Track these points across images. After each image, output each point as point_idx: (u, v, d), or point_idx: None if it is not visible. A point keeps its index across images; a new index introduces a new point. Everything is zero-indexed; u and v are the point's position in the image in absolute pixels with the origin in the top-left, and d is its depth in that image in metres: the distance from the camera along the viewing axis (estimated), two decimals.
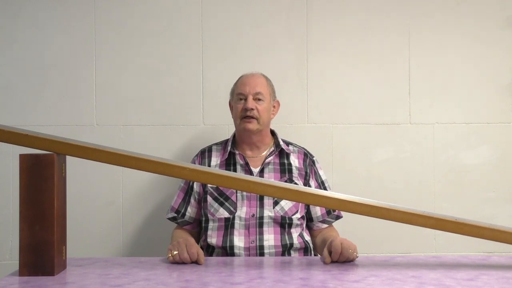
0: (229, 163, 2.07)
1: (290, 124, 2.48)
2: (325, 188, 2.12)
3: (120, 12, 2.51)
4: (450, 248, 2.52)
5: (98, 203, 2.49)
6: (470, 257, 1.75)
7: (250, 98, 2.04)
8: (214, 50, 2.52)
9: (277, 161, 2.08)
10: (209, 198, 2.02)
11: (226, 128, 2.48)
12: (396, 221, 1.56)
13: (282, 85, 2.50)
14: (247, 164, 2.06)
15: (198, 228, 2.10)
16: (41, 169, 1.46)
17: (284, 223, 1.98)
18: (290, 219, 1.99)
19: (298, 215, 2.01)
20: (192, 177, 1.58)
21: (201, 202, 2.06)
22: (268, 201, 1.99)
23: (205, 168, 1.58)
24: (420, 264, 1.64)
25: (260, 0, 2.54)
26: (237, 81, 2.15)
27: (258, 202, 1.99)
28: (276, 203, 1.99)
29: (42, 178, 1.45)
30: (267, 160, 2.06)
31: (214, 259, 1.87)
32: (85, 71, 2.50)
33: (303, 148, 2.18)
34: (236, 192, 1.99)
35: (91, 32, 2.50)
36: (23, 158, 1.46)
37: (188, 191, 2.08)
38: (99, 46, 2.50)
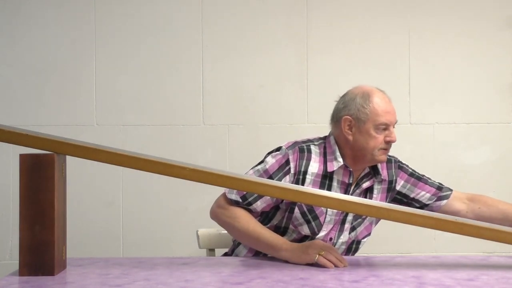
0: (326, 176, 1.82)
1: (290, 124, 2.48)
2: (422, 179, 1.96)
3: (120, 12, 2.51)
4: (450, 248, 2.52)
5: (98, 203, 2.49)
6: (470, 257, 1.75)
7: (392, 128, 1.83)
8: (214, 50, 2.53)
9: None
10: (296, 211, 1.80)
11: (226, 128, 2.48)
12: (396, 221, 1.55)
13: (282, 85, 2.50)
14: (349, 185, 1.83)
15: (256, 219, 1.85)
16: (41, 169, 1.45)
17: (351, 248, 1.88)
18: (358, 242, 1.89)
19: (365, 239, 1.91)
20: (192, 177, 1.57)
21: (283, 207, 1.83)
22: (347, 226, 1.85)
23: (205, 168, 1.57)
24: (420, 264, 1.64)
25: (260, 0, 2.54)
26: (373, 103, 1.82)
27: (339, 226, 1.84)
28: (353, 229, 1.85)
29: (42, 178, 1.45)
30: (364, 185, 1.85)
31: (214, 259, 1.86)
32: (85, 71, 2.50)
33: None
34: (326, 213, 1.80)
35: (91, 32, 2.50)
36: (23, 158, 1.46)
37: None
38: (99, 46, 2.50)
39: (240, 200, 1.80)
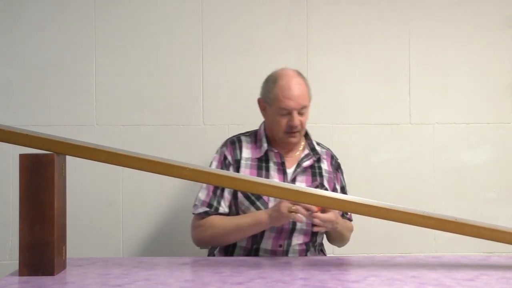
0: (261, 159, 1.95)
1: None
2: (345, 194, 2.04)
3: (120, 12, 2.51)
4: (450, 248, 2.52)
5: (98, 203, 2.48)
6: (470, 257, 1.75)
7: (295, 113, 1.89)
8: (214, 50, 2.52)
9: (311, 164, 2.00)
10: (239, 195, 1.92)
11: (226, 128, 2.48)
12: (396, 221, 1.56)
13: None
14: (283, 163, 1.95)
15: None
16: (41, 169, 1.45)
17: (314, 232, 1.90)
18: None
19: None
20: (192, 177, 1.57)
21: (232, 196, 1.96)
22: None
23: (205, 168, 1.58)
24: (420, 264, 1.64)
25: (260, 0, 2.54)
26: (276, 88, 1.93)
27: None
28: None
29: (42, 178, 1.45)
30: (304, 165, 1.96)
31: (214, 259, 1.87)
32: (85, 71, 2.49)
33: (329, 149, 2.11)
34: None
35: (91, 32, 2.50)
36: (23, 158, 1.46)
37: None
38: (99, 46, 2.50)
39: (208, 209, 1.92)
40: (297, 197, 1.57)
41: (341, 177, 2.08)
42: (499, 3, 2.58)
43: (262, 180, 1.62)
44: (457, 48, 2.58)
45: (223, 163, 1.96)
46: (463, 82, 2.58)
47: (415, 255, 2.37)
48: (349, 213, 2.05)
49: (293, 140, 1.94)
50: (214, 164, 1.99)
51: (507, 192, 2.58)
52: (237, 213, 1.92)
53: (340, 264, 1.66)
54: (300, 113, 1.91)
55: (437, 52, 2.57)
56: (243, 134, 2.06)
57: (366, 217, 1.61)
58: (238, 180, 1.57)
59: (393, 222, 1.57)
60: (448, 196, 2.56)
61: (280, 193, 1.58)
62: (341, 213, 2.01)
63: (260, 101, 2.01)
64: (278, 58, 2.53)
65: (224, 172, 1.59)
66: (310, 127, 2.53)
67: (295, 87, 1.91)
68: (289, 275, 1.48)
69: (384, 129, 2.56)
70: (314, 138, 2.33)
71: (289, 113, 1.90)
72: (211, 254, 2.06)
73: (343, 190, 2.07)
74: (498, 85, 2.58)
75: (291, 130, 1.91)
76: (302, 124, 1.93)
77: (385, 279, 1.44)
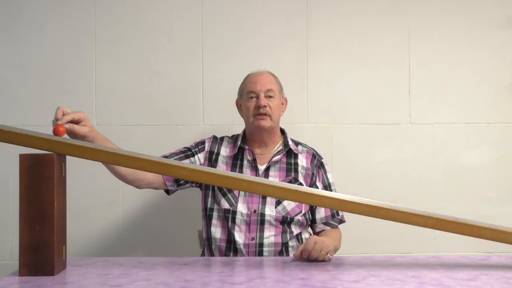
0: (237, 157, 2.07)
1: (290, 124, 2.48)
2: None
3: (120, 12, 2.51)
4: (450, 248, 2.52)
5: (98, 203, 2.49)
6: (470, 257, 1.75)
7: (262, 95, 2.03)
8: (214, 50, 2.53)
9: (284, 160, 2.07)
10: (215, 187, 2.01)
11: (226, 128, 2.48)
12: (396, 221, 1.55)
13: (282, 85, 2.50)
14: (254, 160, 2.05)
15: (172, 187, 2.05)
16: (41, 169, 1.45)
17: (285, 222, 1.98)
18: (292, 219, 1.98)
19: (299, 217, 2.00)
20: (192, 177, 1.57)
21: (203, 186, 2.05)
22: (270, 200, 1.98)
23: (205, 168, 1.58)
24: (420, 264, 1.64)
25: (260, 0, 2.54)
26: (245, 79, 2.12)
27: (260, 199, 1.98)
28: (278, 203, 1.98)
29: (42, 178, 1.45)
30: (274, 159, 2.05)
31: (213, 259, 1.87)
32: (85, 71, 2.50)
33: (312, 149, 2.16)
34: None
35: (91, 32, 2.50)
36: (23, 158, 1.46)
37: (188, 154, 2.07)
38: (99, 46, 2.50)
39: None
40: (298, 197, 1.57)
41: (325, 176, 2.11)
42: (499, 3, 2.58)
43: (263, 180, 1.62)
44: (457, 48, 2.58)
45: (199, 144, 2.10)
46: (463, 82, 2.58)
47: (415, 255, 2.37)
48: (340, 214, 2.06)
49: (263, 123, 2.02)
50: (191, 143, 2.12)
51: (507, 192, 2.58)
52: (212, 207, 2.00)
53: (340, 264, 1.66)
54: (267, 96, 2.04)
55: (437, 52, 2.57)
56: (228, 136, 2.17)
57: (367, 217, 1.61)
58: (237, 180, 1.57)
59: (393, 222, 1.57)
60: (448, 196, 2.56)
61: (283, 193, 1.58)
62: (332, 211, 2.05)
63: (236, 102, 2.16)
64: (278, 58, 2.53)
65: (225, 173, 1.59)
66: (310, 127, 2.54)
67: (261, 75, 2.09)
68: (289, 275, 1.48)
69: (384, 129, 2.56)
70: (314, 138, 2.34)
71: (257, 96, 2.03)
72: (203, 253, 2.11)
73: (329, 188, 2.10)
74: (498, 85, 2.59)
75: (258, 112, 2.02)
76: (271, 108, 2.03)
77: (385, 279, 1.44)
